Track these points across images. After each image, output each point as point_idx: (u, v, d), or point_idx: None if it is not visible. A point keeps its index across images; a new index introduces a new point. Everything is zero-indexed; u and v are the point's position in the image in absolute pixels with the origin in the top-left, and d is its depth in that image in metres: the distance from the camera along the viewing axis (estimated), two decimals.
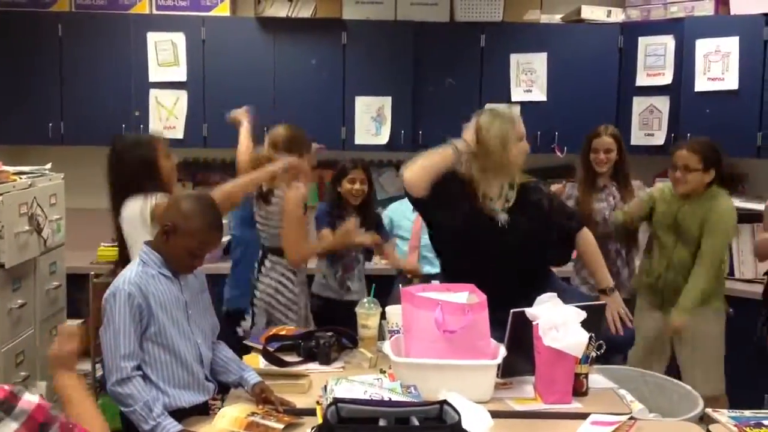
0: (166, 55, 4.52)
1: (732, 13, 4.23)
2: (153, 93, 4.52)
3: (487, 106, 2.70)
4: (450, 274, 2.87)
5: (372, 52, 4.55)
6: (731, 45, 4.11)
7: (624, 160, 3.66)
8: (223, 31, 4.53)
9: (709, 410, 2.27)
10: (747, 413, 2.22)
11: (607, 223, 3.58)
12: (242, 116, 3.81)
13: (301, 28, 4.52)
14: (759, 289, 3.61)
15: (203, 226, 2.14)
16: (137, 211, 2.65)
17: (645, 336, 3.33)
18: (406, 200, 3.92)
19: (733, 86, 4.12)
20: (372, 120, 4.56)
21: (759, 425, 2.11)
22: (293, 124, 3.32)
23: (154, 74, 4.51)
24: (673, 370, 3.42)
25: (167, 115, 4.52)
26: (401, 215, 4.02)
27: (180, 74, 4.51)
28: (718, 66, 4.15)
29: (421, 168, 2.70)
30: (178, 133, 4.50)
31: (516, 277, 2.69)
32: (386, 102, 4.56)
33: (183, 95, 4.51)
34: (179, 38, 4.50)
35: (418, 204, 2.83)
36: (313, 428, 1.59)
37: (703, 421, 2.27)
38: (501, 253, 2.71)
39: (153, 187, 2.67)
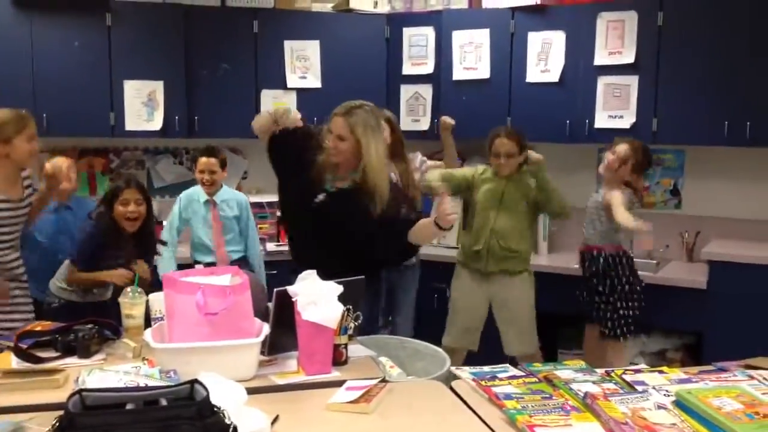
0: None
1: (483, 6, 4.61)
2: None
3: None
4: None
5: (140, 35, 4.40)
6: (483, 37, 4.49)
7: (399, 139, 3.88)
8: None
9: (453, 368, 2.50)
10: (486, 368, 2.46)
11: None
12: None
13: (60, 8, 4.26)
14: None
15: None
16: None
17: (466, 305, 3.83)
18: (199, 191, 3.94)
19: (485, 75, 4.50)
20: (143, 105, 4.42)
21: (494, 378, 2.35)
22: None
23: None
24: (492, 334, 3.85)
25: None
26: (196, 206, 3.98)
27: None
28: (472, 56, 4.51)
29: None
30: None
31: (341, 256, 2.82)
32: (158, 86, 4.43)
33: None
34: None
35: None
36: (55, 420, 1.54)
37: (450, 379, 2.50)
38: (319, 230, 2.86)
39: None
